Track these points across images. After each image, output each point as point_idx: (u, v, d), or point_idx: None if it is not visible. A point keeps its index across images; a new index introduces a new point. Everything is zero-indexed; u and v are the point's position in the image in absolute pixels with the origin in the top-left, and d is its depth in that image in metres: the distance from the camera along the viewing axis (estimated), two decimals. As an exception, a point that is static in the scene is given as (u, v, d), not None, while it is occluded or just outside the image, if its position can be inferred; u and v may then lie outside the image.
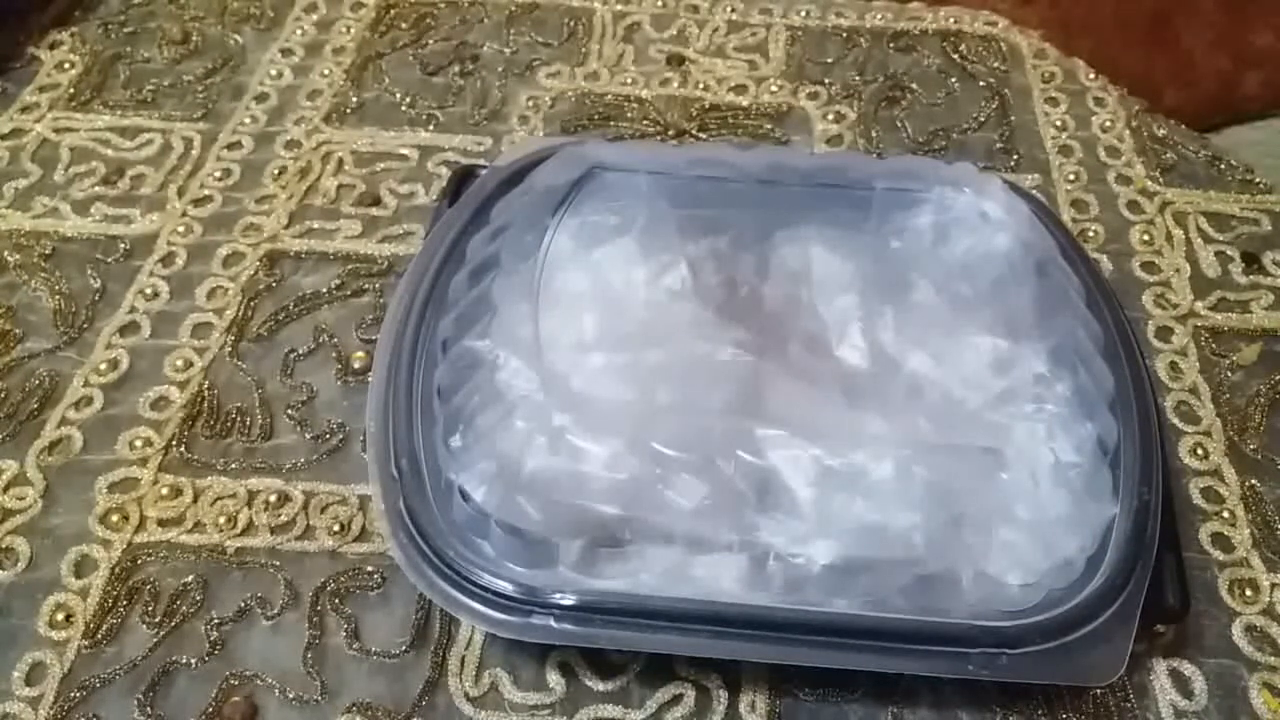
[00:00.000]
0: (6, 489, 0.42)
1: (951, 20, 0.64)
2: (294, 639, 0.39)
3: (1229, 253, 0.52)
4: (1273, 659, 0.39)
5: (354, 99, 0.59)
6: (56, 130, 0.56)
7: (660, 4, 0.65)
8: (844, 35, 0.63)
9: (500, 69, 0.61)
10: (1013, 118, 0.59)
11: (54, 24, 0.62)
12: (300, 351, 0.47)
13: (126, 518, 0.42)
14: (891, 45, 0.63)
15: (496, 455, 0.38)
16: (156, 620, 0.39)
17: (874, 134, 0.58)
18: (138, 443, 0.44)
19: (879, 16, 0.65)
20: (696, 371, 0.41)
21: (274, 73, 0.60)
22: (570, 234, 0.45)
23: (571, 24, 0.64)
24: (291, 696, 0.37)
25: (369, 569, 0.41)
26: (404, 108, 0.58)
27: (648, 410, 0.39)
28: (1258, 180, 0.56)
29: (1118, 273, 0.51)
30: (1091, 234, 0.53)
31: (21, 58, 0.60)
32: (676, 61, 0.61)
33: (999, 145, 0.57)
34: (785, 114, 0.59)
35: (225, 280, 0.50)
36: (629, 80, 0.60)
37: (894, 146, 0.57)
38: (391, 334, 0.42)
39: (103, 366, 0.46)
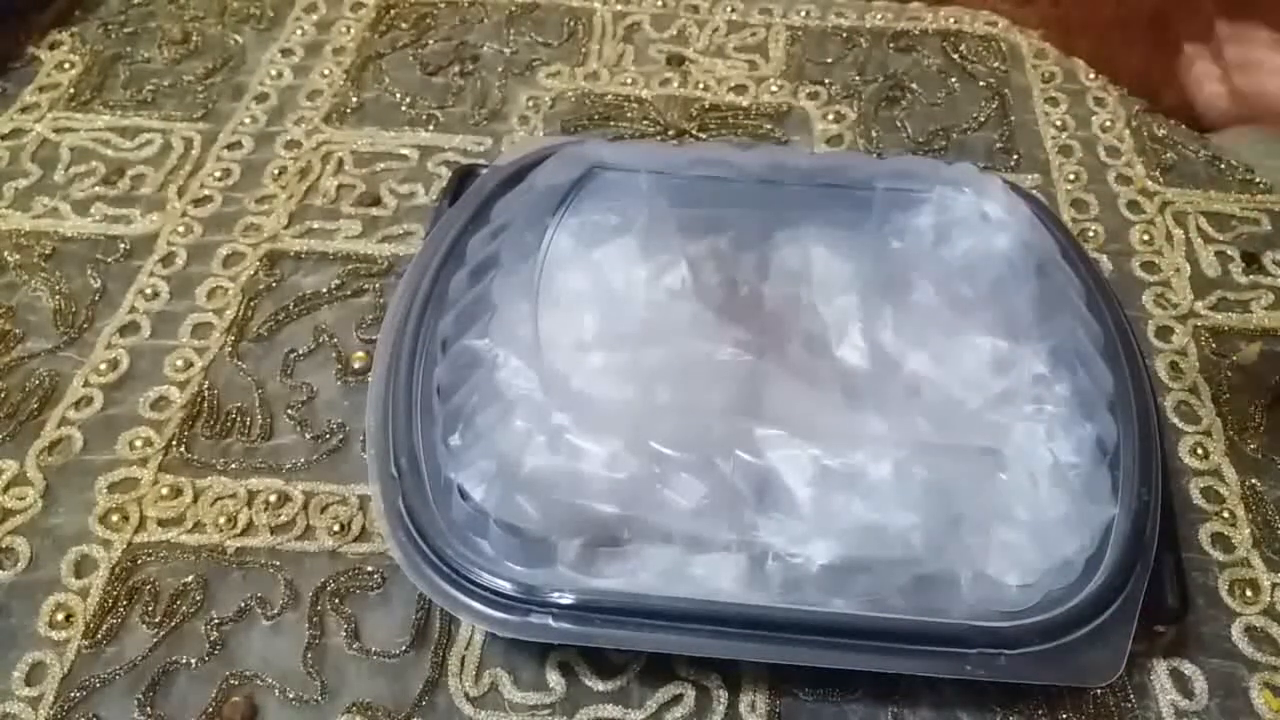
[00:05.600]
0: (6, 489, 0.42)
1: (951, 20, 0.64)
2: (294, 639, 0.39)
3: (1229, 252, 0.52)
4: (1273, 659, 0.39)
5: (354, 99, 0.59)
6: (56, 130, 0.56)
7: (660, 4, 0.65)
8: (844, 35, 0.63)
9: (500, 69, 0.61)
10: (1013, 118, 0.59)
11: (54, 24, 0.62)
12: (300, 351, 0.47)
13: (126, 518, 0.42)
14: (891, 45, 0.63)
15: (496, 454, 0.38)
16: (156, 620, 0.39)
17: (874, 134, 0.58)
18: (138, 443, 0.44)
19: (879, 16, 0.65)
20: (696, 371, 0.41)
21: (274, 73, 0.60)
22: (570, 233, 0.45)
23: (571, 24, 0.64)
24: (291, 696, 0.37)
25: (369, 569, 0.41)
26: (404, 108, 0.58)
27: (647, 410, 0.39)
28: (1258, 180, 0.56)
29: (1118, 273, 0.51)
30: (1091, 234, 0.53)
31: (21, 58, 0.60)
32: (676, 61, 0.61)
33: (999, 145, 0.57)
34: (785, 114, 0.59)
35: (225, 280, 0.50)
36: (629, 80, 0.60)
37: (894, 146, 0.57)
38: (391, 333, 0.42)
39: (103, 366, 0.46)
